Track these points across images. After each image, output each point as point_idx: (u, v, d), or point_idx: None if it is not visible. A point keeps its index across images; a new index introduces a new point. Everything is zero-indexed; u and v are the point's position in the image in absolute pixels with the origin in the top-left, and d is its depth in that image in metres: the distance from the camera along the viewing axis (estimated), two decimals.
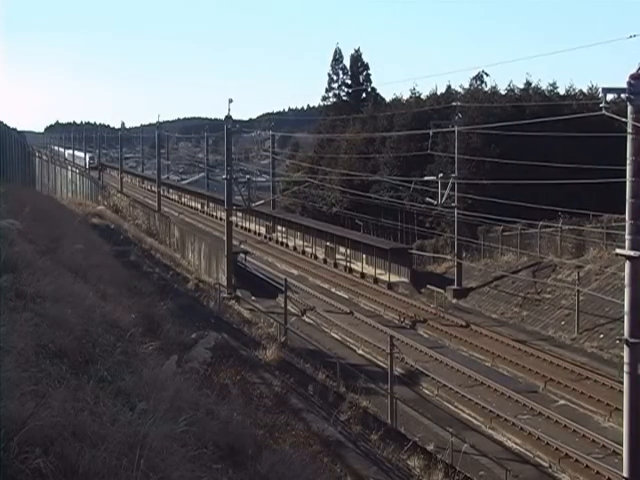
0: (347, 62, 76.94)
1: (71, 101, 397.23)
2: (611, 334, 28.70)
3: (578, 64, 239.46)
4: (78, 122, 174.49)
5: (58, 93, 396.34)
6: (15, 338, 6.77)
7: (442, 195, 39.03)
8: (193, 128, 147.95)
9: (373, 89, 76.53)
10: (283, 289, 32.15)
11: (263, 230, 60.69)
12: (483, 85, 61.77)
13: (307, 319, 35.05)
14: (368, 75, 76.69)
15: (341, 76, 77.34)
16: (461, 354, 30.19)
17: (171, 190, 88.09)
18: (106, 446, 5.33)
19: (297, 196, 66.80)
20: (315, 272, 46.01)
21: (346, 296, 40.09)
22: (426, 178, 42.36)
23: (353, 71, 76.67)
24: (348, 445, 14.92)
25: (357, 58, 76.58)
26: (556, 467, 20.10)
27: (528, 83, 58.18)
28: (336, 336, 32.58)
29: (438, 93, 62.97)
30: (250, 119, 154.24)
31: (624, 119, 15.31)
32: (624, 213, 15.77)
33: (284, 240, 56.40)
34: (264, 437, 10.35)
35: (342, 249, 48.02)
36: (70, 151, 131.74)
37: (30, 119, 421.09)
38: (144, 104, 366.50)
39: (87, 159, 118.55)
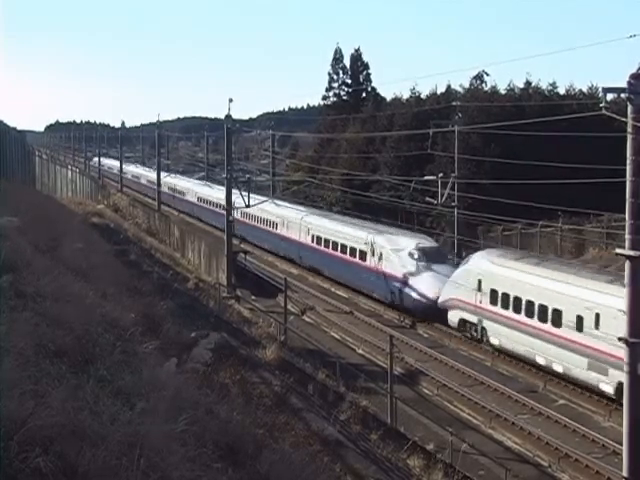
0: (347, 62, 77.03)
1: (71, 100, 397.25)
2: None
3: (578, 64, 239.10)
4: (78, 121, 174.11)
5: (58, 92, 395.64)
6: (15, 337, 6.77)
7: (442, 195, 39.01)
8: (193, 127, 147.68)
9: (373, 88, 76.52)
10: (283, 288, 32.13)
11: None
12: (483, 85, 61.79)
13: (307, 318, 35.02)
14: (368, 74, 76.70)
15: (341, 75, 77.30)
16: (461, 353, 30.16)
17: None
18: (106, 445, 5.34)
19: (297, 196, 66.74)
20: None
21: (346, 295, 40.04)
22: (426, 178, 42.31)
23: (353, 70, 76.61)
24: (348, 444, 14.94)
25: (357, 57, 76.54)
26: (556, 467, 20.08)
27: (528, 83, 58.30)
28: (336, 335, 32.55)
29: (438, 93, 63.01)
30: (250, 118, 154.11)
31: (624, 119, 15.30)
32: (624, 213, 15.76)
33: None
34: (264, 436, 10.35)
35: None
36: (188, 183, 69.86)
37: (30, 118, 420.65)
38: (144, 104, 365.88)
39: None
